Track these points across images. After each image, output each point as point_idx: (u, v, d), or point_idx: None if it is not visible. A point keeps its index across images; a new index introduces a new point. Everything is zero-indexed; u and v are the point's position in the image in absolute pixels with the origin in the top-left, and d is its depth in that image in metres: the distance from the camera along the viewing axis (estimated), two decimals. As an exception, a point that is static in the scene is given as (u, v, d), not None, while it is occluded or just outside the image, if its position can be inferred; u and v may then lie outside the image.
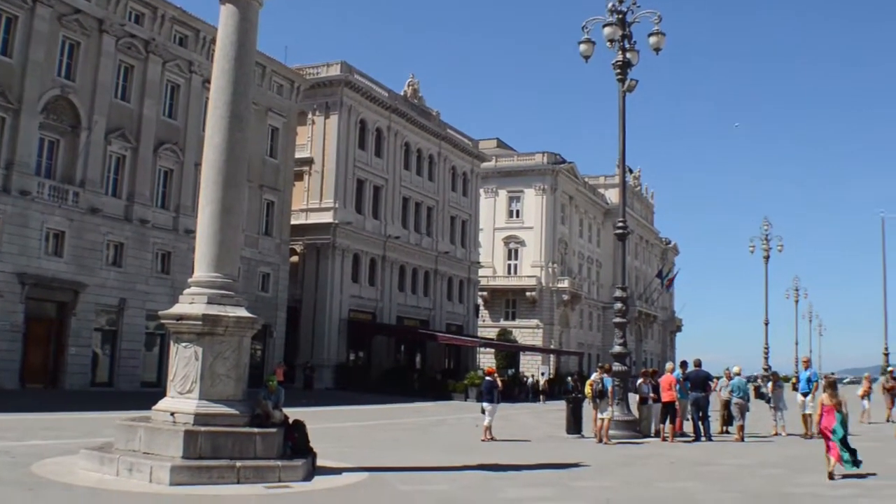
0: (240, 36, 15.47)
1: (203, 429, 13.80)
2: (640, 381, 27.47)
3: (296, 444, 15.05)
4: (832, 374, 30.74)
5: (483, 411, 25.22)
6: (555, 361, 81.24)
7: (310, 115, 57.22)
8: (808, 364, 29.67)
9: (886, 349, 79.72)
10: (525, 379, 65.62)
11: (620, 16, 26.92)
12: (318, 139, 57.19)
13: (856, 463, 15.62)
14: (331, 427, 26.88)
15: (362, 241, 59.24)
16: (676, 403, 25.16)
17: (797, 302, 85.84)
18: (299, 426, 15.40)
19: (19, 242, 36.51)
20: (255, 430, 14.35)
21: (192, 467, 13.32)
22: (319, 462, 15.45)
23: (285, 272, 52.55)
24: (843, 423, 15.61)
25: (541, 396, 56.57)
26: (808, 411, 25.63)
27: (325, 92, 57.29)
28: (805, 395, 26.35)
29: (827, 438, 15.71)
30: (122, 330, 41.54)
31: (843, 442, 15.52)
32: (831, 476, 15.37)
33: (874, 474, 16.14)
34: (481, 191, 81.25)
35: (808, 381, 26.96)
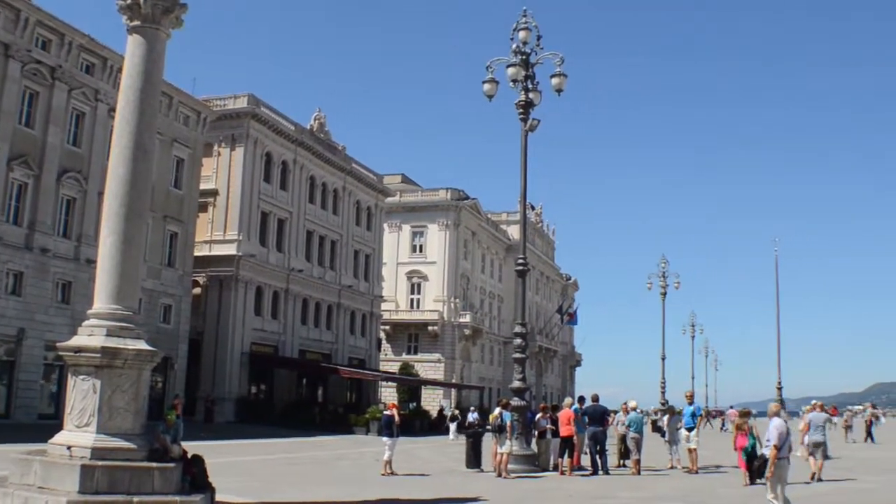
0: (147, 66, 15.43)
1: (100, 463, 13.54)
2: (538, 415, 27.93)
3: (195, 478, 14.85)
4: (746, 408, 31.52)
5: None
6: (456, 395, 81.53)
7: (216, 147, 56.86)
8: (691, 399, 29.25)
9: (780, 384, 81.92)
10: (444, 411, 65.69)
11: (524, 57, 27.42)
12: (223, 171, 56.85)
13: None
14: (231, 461, 26.68)
15: (266, 274, 58.94)
16: (575, 438, 25.51)
17: (693, 337, 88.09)
18: (198, 460, 15.25)
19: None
20: (154, 464, 14.11)
21: (89, 502, 13.08)
22: (218, 497, 15.35)
23: (187, 304, 51.98)
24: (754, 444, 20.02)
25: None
26: (692, 445, 26.04)
27: (232, 124, 57.09)
28: (689, 429, 26.47)
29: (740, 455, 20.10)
30: (20, 360, 40.46)
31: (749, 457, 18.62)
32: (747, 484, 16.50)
33: None
34: (385, 225, 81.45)
35: (693, 415, 27.12)
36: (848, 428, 47.85)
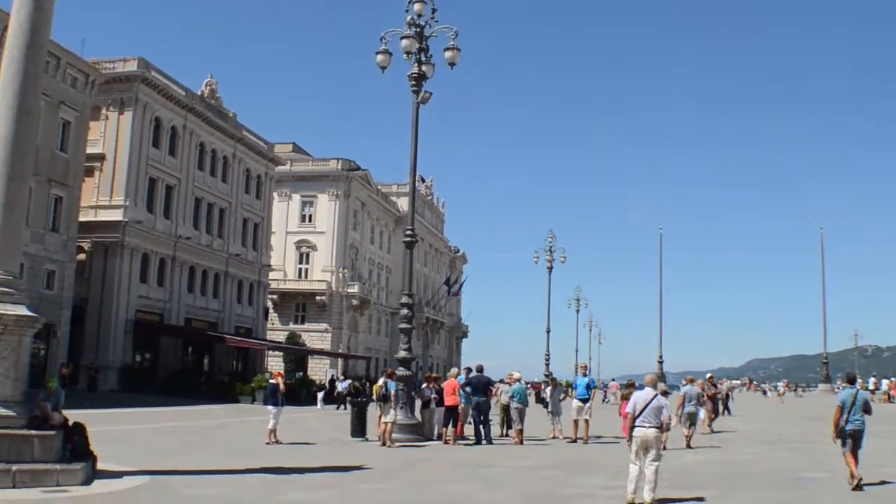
0: (33, 23, 15.04)
1: (-23, 431, 13.27)
2: (423, 385, 28.50)
3: (76, 446, 14.66)
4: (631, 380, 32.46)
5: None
6: (343, 365, 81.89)
7: (104, 111, 55.59)
8: (585, 371, 29.96)
9: (661, 358, 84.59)
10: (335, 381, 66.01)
11: (418, 29, 27.50)
12: (111, 135, 55.69)
13: None
14: (114, 430, 26.48)
15: (152, 241, 58.20)
16: (460, 407, 26.12)
17: (578, 311, 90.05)
18: (79, 428, 15.13)
19: None
20: (33, 432, 13.92)
21: (-35, 470, 12.88)
22: (100, 465, 15.28)
23: (71, 270, 50.92)
24: None
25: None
26: (586, 416, 26.64)
27: (121, 87, 55.93)
28: (584, 401, 26.88)
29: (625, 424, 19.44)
30: None
31: None
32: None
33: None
34: (275, 194, 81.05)
35: (587, 387, 27.48)
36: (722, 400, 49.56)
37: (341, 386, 55.25)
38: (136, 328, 56.26)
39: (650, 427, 13.64)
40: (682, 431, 25.25)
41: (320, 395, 52.90)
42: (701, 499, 14.31)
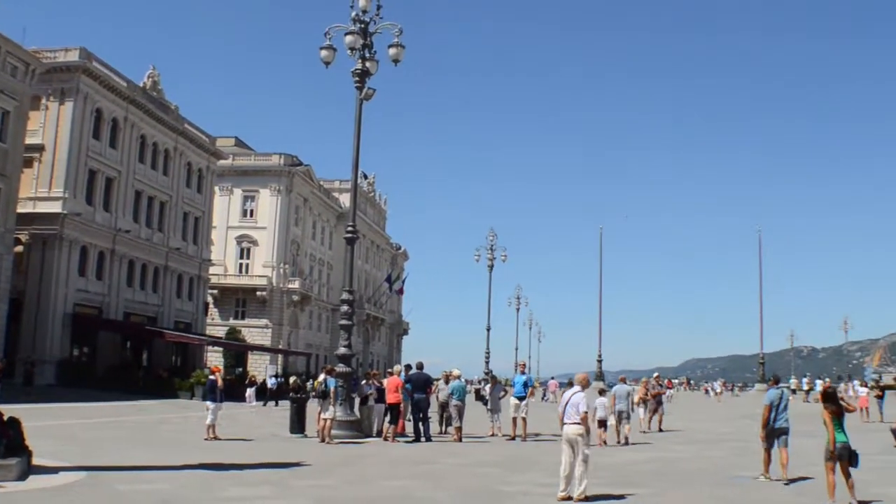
0: None
1: None
2: (363, 381, 28.62)
3: (11, 442, 14.48)
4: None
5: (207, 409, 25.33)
6: (283, 361, 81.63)
7: (44, 101, 54.73)
8: (523, 369, 30.16)
9: (600, 356, 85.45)
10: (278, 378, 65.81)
11: (363, 25, 27.51)
12: (51, 126, 54.82)
13: None
14: (51, 425, 26.35)
15: (91, 234, 57.50)
16: (401, 405, 26.28)
17: (518, 309, 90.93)
18: (14, 423, 14.95)
19: None
20: None
21: None
22: (36, 461, 15.17)
23: (9, 262, 50.01)
24: None
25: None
26: (523, 414, 26.94)
27: (62, 77, 55.11)
28: (521, 399, 27.12)
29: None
30: None
31: None
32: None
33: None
34: (216, 188, 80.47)
35: (525, 385, 27.66)
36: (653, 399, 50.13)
37: (271, 382, 55.26)
38: (74, 322, 55.54)
39: (571, 423, 14.01)
40: (615, 429, 25.89)
41: (250, 391, 52.62)
42: (634, 496, 14.51)
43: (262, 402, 50.84)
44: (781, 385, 18.23)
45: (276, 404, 50.00)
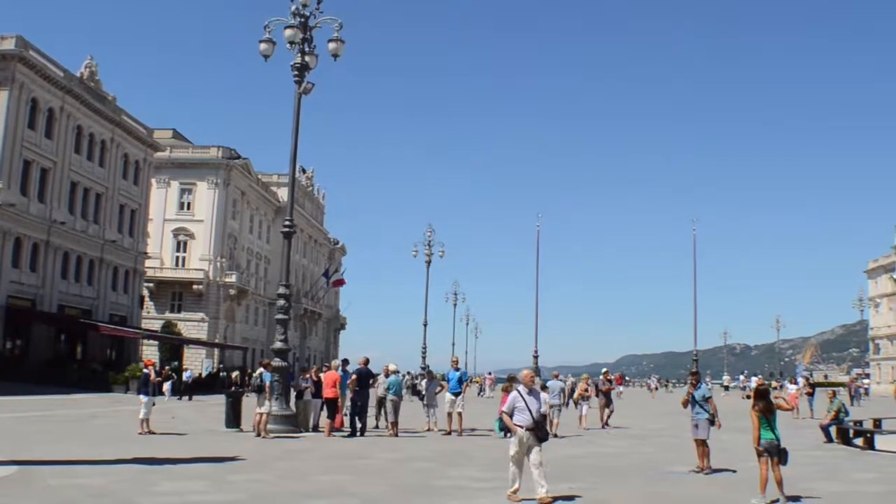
0: None
1: None
2: (300, 376, 28.72)
3: None
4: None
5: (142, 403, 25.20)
6: (219, 355, 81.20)
7: (-23, 89, 54.01)
8: (457, 365, 30.15)
9: (536, 352, 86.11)
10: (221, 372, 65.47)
11: (303, 19, 27.63)
12: (-16, 116, 54.06)
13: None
14: (-20, 419, 26.20)
15: (25, 225, 56.65)
16: (339, 400, 26.46)
17: (455, 305, 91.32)
18: None
19: None
20: None
21: None
22: None
23: (-61, 253, 49.52)
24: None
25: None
26: (459, 409, 27.36)
27: (-3, 66, 54.40)
28: (456, 394, 27.51)
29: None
30: None
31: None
32: None
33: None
34: (153, 181, 79.57)
35: (459, 381, 28.02)
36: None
37: (186, 375, 55.11)
38: (6, 314, 54.69)
39: (529, 427, 13.63)
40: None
41: (167, 385, 51.70)
42: (571, 493, 14.60)
43: (177, 397, 50.70)
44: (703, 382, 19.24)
45: (190, 399, 50.16)
